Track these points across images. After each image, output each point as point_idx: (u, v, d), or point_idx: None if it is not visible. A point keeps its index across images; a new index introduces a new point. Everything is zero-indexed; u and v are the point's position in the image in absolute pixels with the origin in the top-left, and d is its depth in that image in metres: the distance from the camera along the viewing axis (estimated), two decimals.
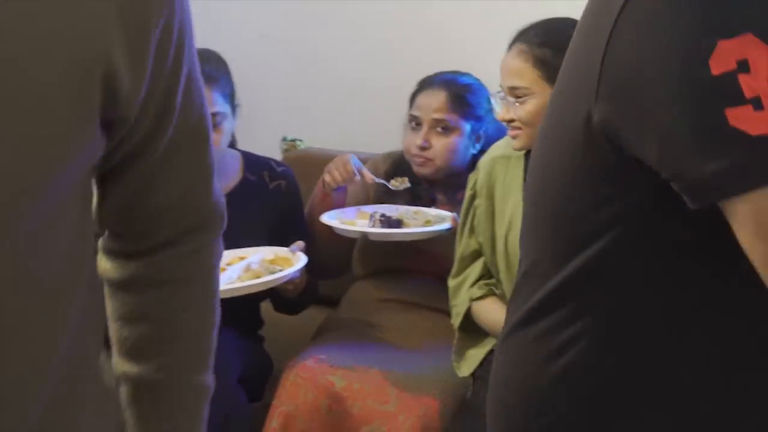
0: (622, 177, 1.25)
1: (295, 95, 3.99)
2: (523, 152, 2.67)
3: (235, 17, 3.98)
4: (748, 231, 1.14)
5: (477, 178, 2.75)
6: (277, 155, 3.84)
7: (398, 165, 3.26)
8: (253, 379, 3.03)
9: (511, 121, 2.55)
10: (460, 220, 2.81)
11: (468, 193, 2.78)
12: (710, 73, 1.10)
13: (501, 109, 2.55)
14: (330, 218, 3.02)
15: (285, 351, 3.16)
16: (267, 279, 2.75)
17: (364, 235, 2.96)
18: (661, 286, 1.28)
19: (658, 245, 1.26)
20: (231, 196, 2.89)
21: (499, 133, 3.13)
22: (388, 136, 3.38)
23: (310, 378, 2.76)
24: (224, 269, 2.81)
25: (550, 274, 1.35)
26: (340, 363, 2.83)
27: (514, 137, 2.58)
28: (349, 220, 3.05)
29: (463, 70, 3.25)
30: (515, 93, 2.54)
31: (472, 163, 3.13)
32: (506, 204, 2.67)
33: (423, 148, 3.11)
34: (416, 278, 3.16)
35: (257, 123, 3.73)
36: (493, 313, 2.69)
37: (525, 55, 2.53)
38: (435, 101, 3.12)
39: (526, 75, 2.52)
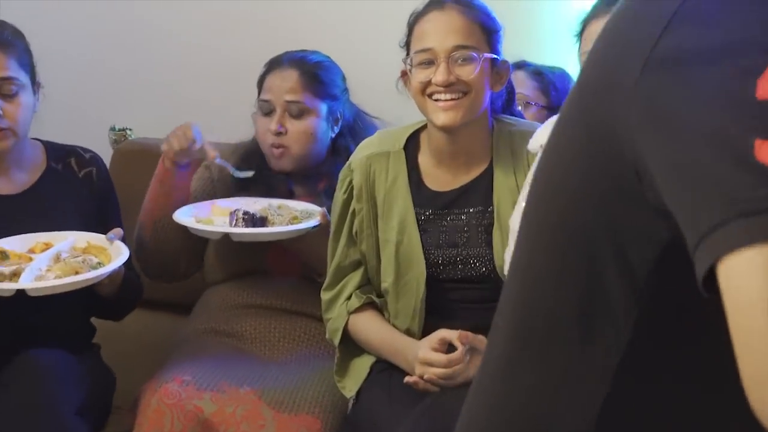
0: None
1: (122, 79, 3.65)
2: (402, 146, 2.49)
3: None
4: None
5: (351, 179, 2.53)
6: (106, 147, 3.50)
7: (248, 157, 3.00)
8: (96, 404, 2.71)
9: (449, 85, 2.36)
10: (333, 227, 2.58)
11: (341, 196, 2.55)
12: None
13: (441, 73, 2.32)
14: (184, 215, 2.73)
15: (127, 362, 2.92)
16: (89, 276, 2.46)
17: (225, 236, 2.67)
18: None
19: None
20: (36, 188, 2.74)
21: (354, 115, 2.98)
22: (235, 124, 3.09)
23: (175, 404, 2.47)
24: (30, 258, 2.50)
25: None
26: (208, 385, 2.55)
27: (454, 107, 2.36)
28: (205, 218, 2.76)
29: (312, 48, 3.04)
30: (462, 54, 2.36)
31: (332, 148, 2.94)
32: (393, 205, 2.47)
33: (279, 134, 2.87)
34: (279, 280, 2.90)
35: (81, 112, 3.37)
36: (372, 330, 2.51)
37: (467, 15, 2.39)
38: (286, 82, 2.89)
39: (474, 34, 2.37)
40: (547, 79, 3.11)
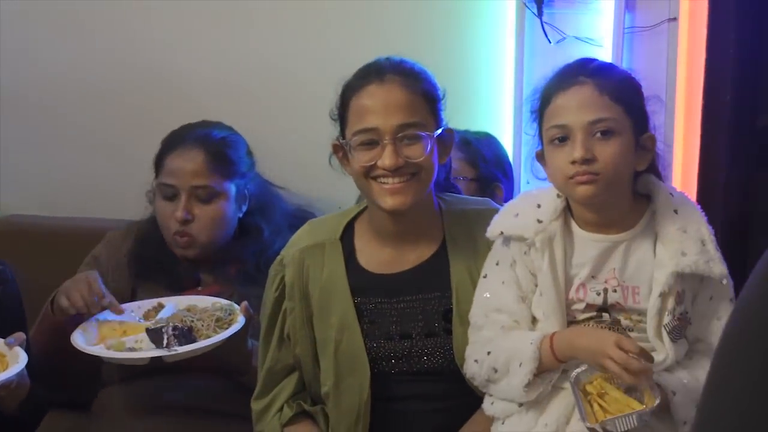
0: None
1: None
2: (338, 236, 2.25)
3: None
4: None
5: (283, 275, 2.27)
6: None
7: (146, 241, 2.69)
8: None
9: (398, 168, 2.11)
10: (263, 328, 2.31)
11: (272, 294, 2.29)
12: None
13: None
14: (84, 342, 2.35)
15: None
16: None
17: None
18: None
19: None
20: None
21: (262, 190, 2.74)
22: (122, 198, 2.82)
23: None
24: None
25: None
26: None
27: (402, 190, 2.13)
28: (116, 342, 2.35)
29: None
30: (410, 133, 2.12)
31: (240, 229, 2.67)
32: (330, 302, 2.22)
33: (185, 222, 2.58)
34: (190, 377, 2.55)
35: None
36: None
37: (411, 87, 2.14)
38: (191, 164, 2.61)
39: (419, 109, 2.14)
40: (474, 148, 2.84)
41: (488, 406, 2.07)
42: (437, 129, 2.15)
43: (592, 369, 1.90)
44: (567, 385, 1.96)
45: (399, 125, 2.10)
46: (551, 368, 1.97)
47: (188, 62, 3.11)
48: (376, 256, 2.24)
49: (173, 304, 2.46)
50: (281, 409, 2.27)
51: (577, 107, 1.93)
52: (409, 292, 2.21)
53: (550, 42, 2.87)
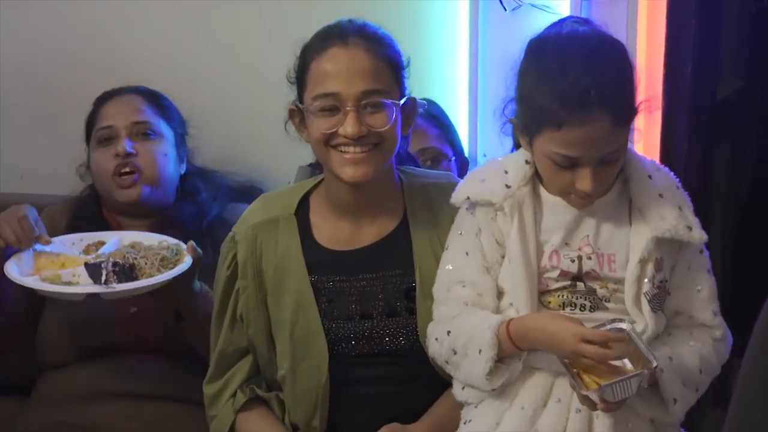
0: None
1: None
2: (293, 211, 2.14)
3: None
4: None
5: (235, 253, 2.14)
6: None
7: (83, 215, 2.56)
8: None
9: (360, 137, 2.00)
10: (215, 308, 2.18)
11: (224, 272, 2.16)
12: None
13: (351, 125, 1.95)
14: (17, 273, 2.20)
15: None
16: None
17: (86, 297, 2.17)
18: None
19: None
20: None
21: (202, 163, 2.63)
22: (58, 173, 2.69)
23: None
24: None
25: None
26: None
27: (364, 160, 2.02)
28: (52, 274, 2.21)
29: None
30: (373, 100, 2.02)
31: (181, 190, 2.56)
32: (285, 280, 2.11)
33: (128, 155, 2.46)
34: (134, 358, 2.43)
35: None
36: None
37: (375, 52, 2.04)
38: (128, 105, 2.54)
39: (383, 75, 2.03)
40: (443, 122, 2.74)
41: (459, 391, 1.96)
42: (401, 98, 2.05)
43: None
44: (539, 364, 1.87)
45: (363, 92, 1.99)
46: (514, 354, 1.86)
47: (127, 31, 2.96)
48: (334, 232, 2.12)
49: (117, 239, 2.33)
50: (234, 394, 2.15)
51: (591, 143, 1.79)
52: (369, 269, 2.09)
53: (505, 10, 2.77)
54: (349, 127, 1.98)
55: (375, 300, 2.08)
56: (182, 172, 2.58)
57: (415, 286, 2.07)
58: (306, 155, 2.32)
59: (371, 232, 2.12)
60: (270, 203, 2.18)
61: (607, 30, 1.91)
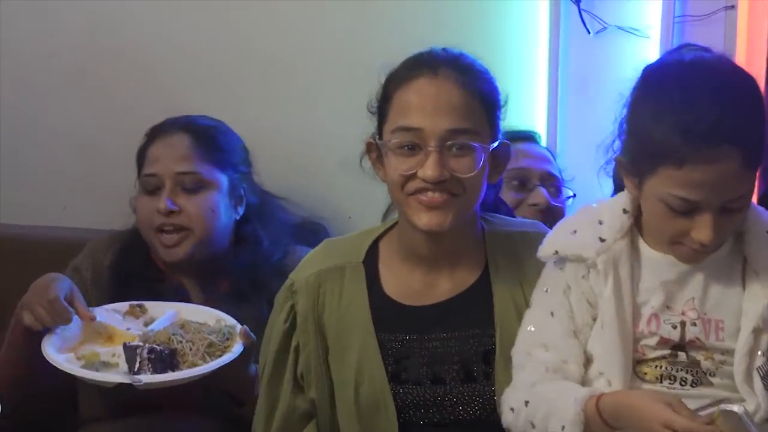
0: None
1: None
2: (362, 259, 1.94)
3: None
4: None
5: (294, 303, 1.94)
6: None
7: (129, 251, 2.37)
8: None
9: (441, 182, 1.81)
10: (267, 368, 1.97)
11: (281, 326, 1.96)
12: None
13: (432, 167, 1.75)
14: (57, 354, 2.05)
15: None
16: None
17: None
18: None
19: None
20: None
21: (260, 198, 2.43)
22: (106, 207, 2.56)
23: None
24: None
25: None
26: None
27: (441, 205, 1.83)
28: (90, 352, 2.06)
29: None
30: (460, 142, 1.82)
31: (236, 237, 2.35)
32: (349, 336, 1.90)
33: (171, 213, 2.27)
34: (175, 417, 2.21)
35: None
36: None
37: (467, 85, 1.84)
38: (175, 149, 2.33)
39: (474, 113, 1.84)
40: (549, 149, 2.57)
41: None
42: (493, 141, 1.83)
43: None
44: None
45: (448, 130, 1.79)
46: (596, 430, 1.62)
47: (169, 51, 2.79)
48: (406, 284, 1.92)
49: (174, 312, 2.16)
50: None
51: (716, 186, 1.56)
52: (444, 328, 1.88)
53: (589, 32, 2.58)
54: (429, 169, 1.78)
55: (449, 363, 1.87)
56: (237, 218, 2.38)
57: (494, 348, 1.86)
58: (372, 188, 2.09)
59: (448, 286, 1.91)
60: (335, 249, 1.98)
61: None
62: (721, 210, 1.58)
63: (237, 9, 2.74)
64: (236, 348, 2.04)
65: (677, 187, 1.58)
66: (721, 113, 1.55)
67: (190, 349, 2.03)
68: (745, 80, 1.64)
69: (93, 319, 2.10)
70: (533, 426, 1.68)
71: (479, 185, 1.83)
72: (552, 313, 1.74)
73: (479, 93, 1.81)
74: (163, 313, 2.16)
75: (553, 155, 2.54)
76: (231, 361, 2.02)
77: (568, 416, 1.61)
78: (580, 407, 1.61)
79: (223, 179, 2.34)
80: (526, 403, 1.70)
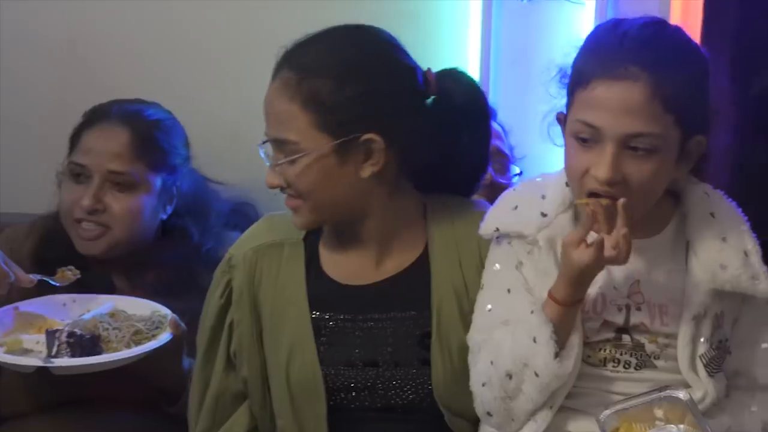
0: None
1: None
2: (302, 234, 1.88)
3: None
4: None
5: (230, 278, 1.88)
6: None
7: (51, 239, 2.25)
8: None
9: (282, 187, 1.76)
10: (203, 344, 1.92)
11: (216, 301, 1.90)
12: None
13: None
14: None
15: None
16: None
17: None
18: None
19: None
20: None
21: (196, 187, 2.33)
22: (30, 190, 2.39)
23: None
24: None
25: None
26: None
27: (293, 209, 1.80)
28: (12, 339, 1.98)
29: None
30: (283, 148, 1.74)
31: (162, 230, 2.27)
32: (284, 316, 1.85)
33: (94, 211, 2.16)
34: (112, 411, 2.12)
35: None
36: None
37: (291, 91, 1.71)
38: (112, 143, 2.19)
39: (294, 122, 1.72)
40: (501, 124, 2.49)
41: None
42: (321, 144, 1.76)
43: (617, 414, 1.55)
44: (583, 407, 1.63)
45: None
46: (566, 322, 1.58)
47: (105, 32, 2.66)
48: (345, 263, 1.86)
49: (111, 304, 2.07)
50: None
51: (618, 111, 1.51)
52: (379, 309, 1.82)
53: (523, 0, 2.50)
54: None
55: (383, 345, 1.81)
56: (164, 217, 2.27)
57: (430, 331, 1.80)
58: None
59: (388, 265, 1.85)
60: (277, 225, 1.91)
61: None
62: (625, 147, 1.52)
63: None
64: (163, 336, 1.96)
65: (583, 109, 1.54)
66: (640, 40, 1.53)
67: (116, 337, 1.96)
68: (687, 39, 1.61)
69: (32, 282, 2.01)
70: (510, 376, 1.62)
71: (307, 188, 1.77)
72: (509, 290, 1.69)
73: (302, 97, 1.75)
74: (102, 305, 2.08)
75: (504, 132, 2.48)
76: (158, 351, 1.93)
77: (533, 326, 1.59)
78: (539, 311, 1.59)
79: (157, 181, 2.23)
80: (491, 363, 1.65)
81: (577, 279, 1.56)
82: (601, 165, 1.52)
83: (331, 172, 1.74)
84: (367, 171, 1.75)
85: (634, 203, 1.53)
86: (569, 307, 1.58)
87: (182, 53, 2.65)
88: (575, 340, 1.60)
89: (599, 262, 1.53)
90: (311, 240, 1.88)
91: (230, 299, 1.88)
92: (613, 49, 1.54)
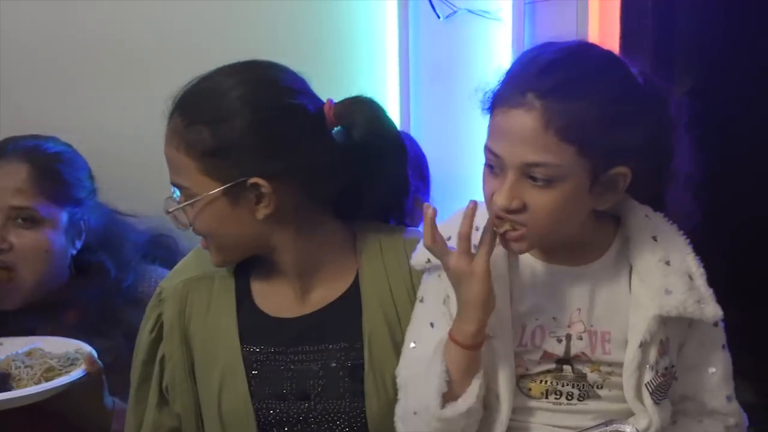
0: None
1: None
2: (231, 268, 1.84)
3: None
4: None
5: (161, 313, 1.84)
6: None
7: None
8: None
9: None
10: (135, 380, 1.87)
11: (146, 336, 1.85)
12: None
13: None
14: None
15: None
16: None
17: None
18: None
19: None
20: None
21: (105, 221, 2.26)
22: None
23: None
24: None
25: None
26: None
27: (204, 248, 1.80)
28: None
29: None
30: (182, 191, 1.74)
31: (76, 268, 2.19)
32: (216, 349, 1.80)
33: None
34: None
35: None
36: None
37: (177, 138, 1.71)
38: (12, 180, 2.12)
39: (184, 168, 1.71)
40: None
41: None
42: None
43: None
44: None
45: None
46: (468, 364, 1.54)
47: None
48: (276, 295, 1.81)
49: (37, 344, 2.00)
50: None
51: (514, 140, 1.46)
52: (310, 341, 1.77)
53: (439, 17, 2.48)
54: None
55: (314, 378, 1.76)
56: (74, 252, 2.19)
57: (363, 363, 1.75)
58: None
59: (318, 296, 1.80)
60: (206, 258, 1.84)
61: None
62: (525, 176, 1.47)
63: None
64: (74, 372, 1.89)
65: (489, 137, 1.51)
66: (543, 66, 1.47)
67: (27, 374, 1.89)
68: (606, 65, 1.52)
69: None
70: (415, 413, 1.58)
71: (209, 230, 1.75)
72: (432, 324, 1.64)
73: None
74: (29, 344, 2.01)
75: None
76: (75, 388, 1.86)
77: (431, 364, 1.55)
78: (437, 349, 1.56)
79: (63, 216, 2.15)
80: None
81: (472, 305, 1.52)
82: (500, 192, 1.49)
83: (224, 215, 1.72)
84: (261, 213, 1.72)
85: (540, 230, 1.50)
86: (470, 350, 1.53)
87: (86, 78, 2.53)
88: (475, 389, 1.55)
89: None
90: (242, 273, 1.84)
91: (161, 333, 1.84)
92: (516, 76, 1.50)
